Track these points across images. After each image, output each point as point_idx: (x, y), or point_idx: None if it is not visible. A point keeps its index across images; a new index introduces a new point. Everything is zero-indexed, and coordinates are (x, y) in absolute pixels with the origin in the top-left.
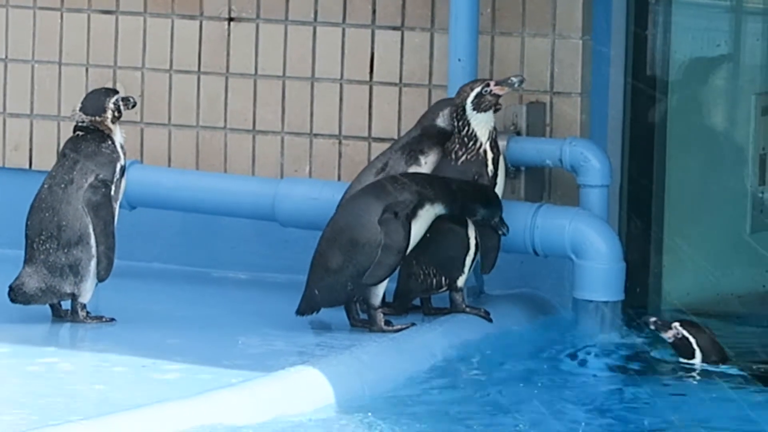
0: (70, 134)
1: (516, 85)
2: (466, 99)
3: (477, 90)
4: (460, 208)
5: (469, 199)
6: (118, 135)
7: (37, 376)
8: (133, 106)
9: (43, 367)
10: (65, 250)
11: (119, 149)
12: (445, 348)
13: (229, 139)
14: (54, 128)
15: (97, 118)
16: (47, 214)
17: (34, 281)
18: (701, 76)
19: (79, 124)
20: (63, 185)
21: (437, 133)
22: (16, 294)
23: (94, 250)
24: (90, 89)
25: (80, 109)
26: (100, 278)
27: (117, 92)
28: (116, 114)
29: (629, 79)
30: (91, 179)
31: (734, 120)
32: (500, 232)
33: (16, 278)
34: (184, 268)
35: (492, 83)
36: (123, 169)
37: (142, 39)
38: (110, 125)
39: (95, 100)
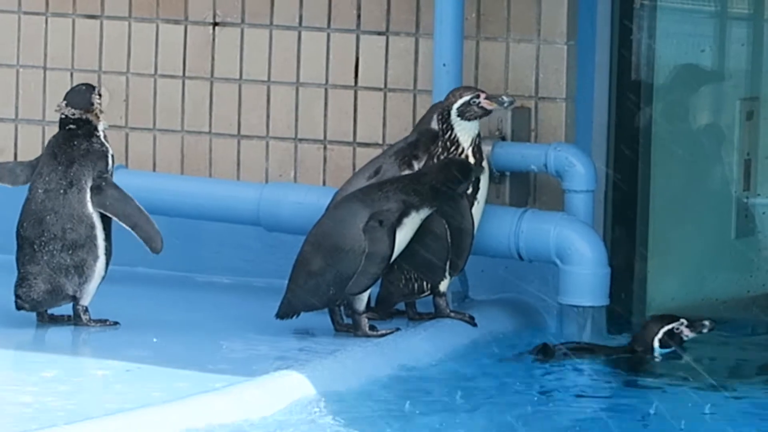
0: (57, 130)
1: (505, 105)
2: (452, 104)
3: (466, 99)
4: (446, 200)
5: (448, 187)
6: (102, 125)
7: (20, 380)
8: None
9: (27, 372)
10: (70, 252)
11: (105, 141)
12: (429, 353)
13: (214, 144)
14: (39, 133)
15: (87, 113)
16: (48, 217)
17: (40, 284)
18: (686, 81)
19: (70, 117)
20: (62, 190)
21: (433, 137)
22: (24, 301)
23: (100, 251)
24: None
25: (67, 105)
26: (158, 250)
27: (94, 87)
28: (101, 108)
29: (614, 84)
30: (90, 181)
31: (719, 125)
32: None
33: (20, 285)
34: (168, 272)
35: (483, 96)
36: (113, 157)
37: (126, 43)
38: (99, 116)
39: (81, 95)
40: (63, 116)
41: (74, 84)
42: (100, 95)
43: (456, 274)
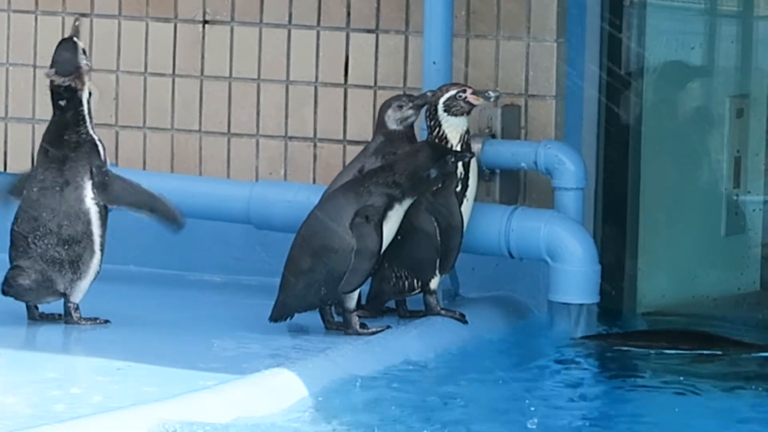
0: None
1: (491, 100)
2: (438, 99)
3: (451, 93)
4: (423, 185)
5: (421, 173)
6: (86, 94)
7: (10, 379)
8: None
9: (18, 370)
10: (65, 247)
11: (92, 131)
12: (420, 350)
13: (204, 142)
14: (29, 131)
15: (76, 79)
16: (44, 214)
17: (31, 274)
18: (676, 78)
19: (61, 85)
20: (58, 188)
21: (397, 134)
22: (10, 285)
23: (96, 246)
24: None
25: (56, 72)
26: (182, 225)
27: (75, 42)
28: (89, 65)
29: (604, 81)
30: (88, 177)
31: (709, 122)
32: (466, 161)
33: (11, 269)
34: (159, 270)
35: (469, 91)
36: (103, 145)
37: (116, 42)
38: (85, 80)
39: (68, 62)
40: (54, 84)
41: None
42: (77, 25)
43: (446, 272)
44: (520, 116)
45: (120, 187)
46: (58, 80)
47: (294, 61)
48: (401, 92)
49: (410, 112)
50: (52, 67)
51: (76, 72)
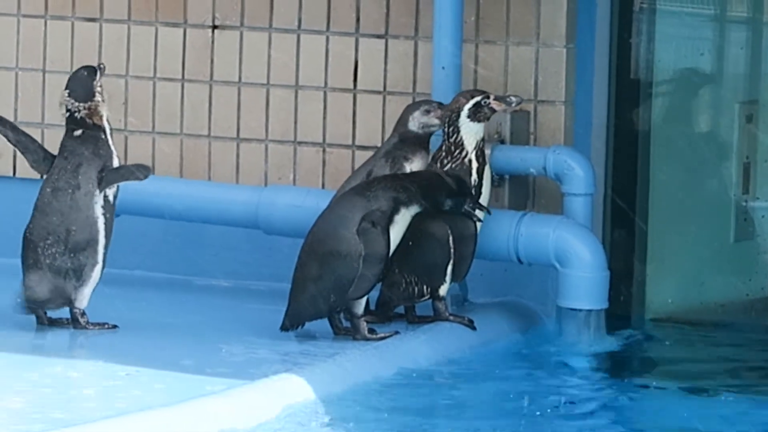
0: (60, 128)
1: (513, 105)
2: (463, 106)
3: (477, 99)
4: (432, 204)
5: (436, 193)
6: (105, 112)
7: (19, 384)
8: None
9: (26, 375)
10: (71, 255)
11: (110, 139)
12: (428, 356)
13: (213, 147)
14: (38, 135)
15: (92, 104)
16: (54, 219)
17: (44, 287)
18: (685, 84)
19: (75, 114)
20: (70, 190)
21: (414, 137)
22: (29, 303)
23: (99, 257)
24: None
25: (69, 95)
26: (148, 173)
27: (95, 69)
28: (103, 93)
29: (613, 87)
30: (95, 178)
31: (718, 128)
32: (474, 219)
33: (24, 288)
34: (167, 275)
35: (492, 96)
36: (117, 159)
37: (125, 46)
38: (101, 105)
39: (83, 86)
40: (68, 112)
41: None
42: (102, 69)
43: (459, 280)
44: (529, 122)
45: (109, 174)
46: (71, 106)
47: (303, 66)
48: (411, 98)
49: (436, 120)
50: (67, 87)
51: (91, 96)
